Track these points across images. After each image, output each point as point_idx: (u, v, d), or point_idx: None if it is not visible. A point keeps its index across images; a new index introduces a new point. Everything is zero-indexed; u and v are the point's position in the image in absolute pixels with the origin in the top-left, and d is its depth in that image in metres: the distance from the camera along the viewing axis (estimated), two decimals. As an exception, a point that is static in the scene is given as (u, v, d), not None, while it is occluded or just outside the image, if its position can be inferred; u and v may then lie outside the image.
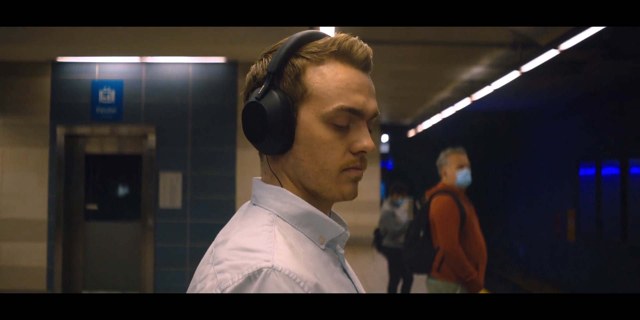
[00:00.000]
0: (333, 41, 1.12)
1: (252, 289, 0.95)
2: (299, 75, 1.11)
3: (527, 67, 7.11)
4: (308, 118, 1.10)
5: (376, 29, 6.29)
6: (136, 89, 6.67)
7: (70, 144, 6.76)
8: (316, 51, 1.12)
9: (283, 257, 0.99)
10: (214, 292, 0.98)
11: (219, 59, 6.61)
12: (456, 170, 4.34)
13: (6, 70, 6.71)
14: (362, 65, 1.14)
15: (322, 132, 1.10)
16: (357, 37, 1.15)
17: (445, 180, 4.41)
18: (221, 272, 0.99)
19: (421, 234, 4.36)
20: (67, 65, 6.71)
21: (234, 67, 6.66)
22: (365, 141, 1.11)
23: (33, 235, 6.62)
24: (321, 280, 1.02)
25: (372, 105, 1.13)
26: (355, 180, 1.12)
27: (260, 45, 5.69)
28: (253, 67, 1.17)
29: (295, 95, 1.11)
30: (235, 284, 0.96)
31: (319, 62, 1.12)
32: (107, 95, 6.62)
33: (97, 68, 6.70)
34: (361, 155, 1.12)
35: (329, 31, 5.03)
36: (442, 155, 4.46)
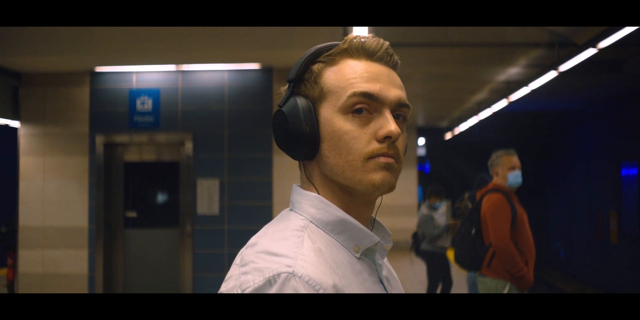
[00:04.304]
0: (344, 41, 1.15)
1: (271, 292, 0.96)
2: (316, 78, 1.14)
3: (565, 66, 7.00)
4: (328, 114, 1.11)
5: (411, 31, 6.26)
6: (173, 97, 6.74)
7: (109, 153, 6.86)
8: (330, 53, 1.15)
9: (305, 263, 0.99)
10: (235, 292, 1.00)
11: (254, 65, 6.64)
12: (507, 172, 4.48)
13: (46, 81, 6.83)
14: (378, 57, 1.14)
15: (341, 124, 1.10)
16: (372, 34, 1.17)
17: (496, 181, 4.55)
18: (245, 273, 1.01)
19: (473, 231, 4.48)
20: (104, 75, 6.81)
21: (269, 72, 6.68)
22: (389, 126, 1.08)
23: (74, 242, 6.73)
24: (348, 288, 1.02)
25: (392, 92, 1.11)
26: (386, 168, 1.09)
27: (294, 51, 5.72)
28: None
29: (314, 97, 1.13)
30: (255, 285, 0.98)
31: (334, 62, 1.14)
32: (145, 104, 6.70)
33: (134, 77, 6.79)
34: (388, 142, 1.09)
35: (363, 31, 5.03)
36: (493, 156, 4.59)
